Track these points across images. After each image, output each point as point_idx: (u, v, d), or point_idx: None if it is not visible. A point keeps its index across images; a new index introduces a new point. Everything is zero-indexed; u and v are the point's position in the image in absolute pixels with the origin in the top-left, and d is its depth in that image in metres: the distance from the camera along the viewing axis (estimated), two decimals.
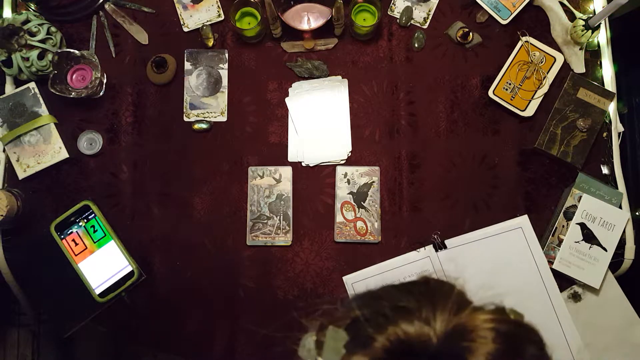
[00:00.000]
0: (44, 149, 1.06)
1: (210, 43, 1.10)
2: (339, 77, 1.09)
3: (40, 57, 1.03)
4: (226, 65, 1.10)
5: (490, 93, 1.06)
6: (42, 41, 1.03)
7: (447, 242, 1.02)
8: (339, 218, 1.05)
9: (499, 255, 1.02)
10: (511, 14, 1.09)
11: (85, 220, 1.04)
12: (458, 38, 1.08)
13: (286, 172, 1.07)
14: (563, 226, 1.02)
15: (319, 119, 1.08)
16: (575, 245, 1.00)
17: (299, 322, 0.43)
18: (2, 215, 0.97)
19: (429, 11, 1.11)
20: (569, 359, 0.98)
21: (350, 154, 1.07)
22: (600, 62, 1.10)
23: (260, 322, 1.04)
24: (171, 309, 1.05)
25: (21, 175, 1.06)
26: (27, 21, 1.04)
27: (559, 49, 1.09)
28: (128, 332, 1.07)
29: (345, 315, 0.41)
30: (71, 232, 1.03)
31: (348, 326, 0.40)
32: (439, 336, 0.37)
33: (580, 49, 1.08)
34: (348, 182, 1.06)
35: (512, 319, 0.40)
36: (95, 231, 1.03)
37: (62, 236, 1.03)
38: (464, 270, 1.02)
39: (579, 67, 1.08)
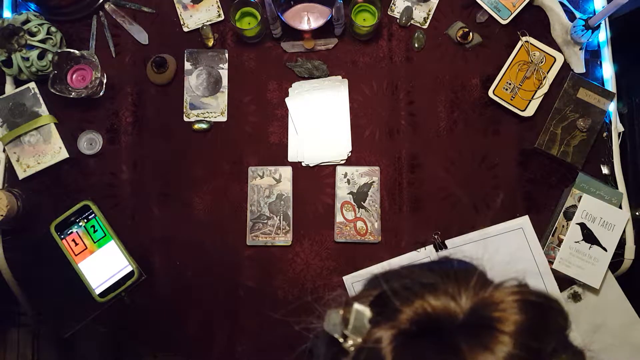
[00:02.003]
0: (44, 149, 1.06)
1: (210, 43, 1.10)
2: (339, 77, 1.09)
3: (40, 57, 1.03)
4: (226, 65, 1.10)
5: (490, 93, 1.06)
6: (42, 41, 1.03)
7: (447, 242, 1.02)
8: (339, 218, 1.05)
9: (499, 256, 1.02)
10: (511, 14, 1.09)
11: (85, 220, 1.04)
12: (458, 38, 1.08)
13: (286, 172, 1.07)
14: (563, 226, 1.02)
15: (319, 119, 1.08)
16: (575, 245, 1.00)
17: (312, 306, 0.43)
18: (2, 215, 0.97)
19: (429, 11, 1.11)
20: None
21: (350, 154, 1.07)
22: (600, 62, 1.10)
23: (260, 322, 1.04)
24: (171, 309, 1.05)
25: (21, 175, 1.06)
26: (27, 21, 1.04)
27: (559, 49, 1.09)
28: (128, 332, 1.07)
29: (369, 292, 0.42)
30: (71, 232, 1.03)
31: (372, 302, 0.41)
32: (465, 311, 0.38)
33: (580, 49, 1.08)
34: (348, 182, 1.06)
35: (536, 291, 0.40)
36: (95, 231, 1.03)
37: (62, 236, 1.03)
38: None
39: (579, 67, 1.08)
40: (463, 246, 1.02)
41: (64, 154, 1.06)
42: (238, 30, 1.05)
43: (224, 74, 1.10)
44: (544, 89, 1.06)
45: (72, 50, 1.04)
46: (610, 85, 1.08)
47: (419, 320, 0.38)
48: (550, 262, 1.01)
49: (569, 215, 1.02)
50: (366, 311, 0.39)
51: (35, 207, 1.06)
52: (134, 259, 1.03)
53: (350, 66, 1.10)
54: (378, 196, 1.05)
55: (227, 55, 1.10)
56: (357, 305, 0.39)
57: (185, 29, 1.11)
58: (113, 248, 1.03)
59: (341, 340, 0.39)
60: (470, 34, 1.07)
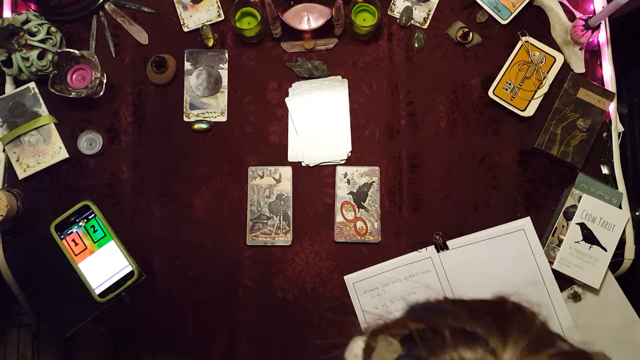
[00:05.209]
0: (44, 149, 1.06)
1: (210, 43, 1.10)
2: (339, 77, 1.09)
3: (40, 57, 1.03)
4: (226, 65, 1.10)
5: (490, 93, 1.06)
6: (42, 41, 1.03)
7: (448, 242, 1.02)
8: (339, 218, 1.05)
9: (500, 256, 1.02)
10: (511, 14, 1.09)
11: (85, 220, 1.04)
12: (458, 38, 1.08)
13: (286, 172, 1.07)
14: (563, 226, 1.02)
15: (319, 119, 1.08)
16: (575, 245, 1.00)
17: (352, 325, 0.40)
18: (2, 215, 0.97)
19: (429, 11, 1.11)
20: None
21: (350, 154, 1.07)
22: (600, 62, 1.10)
23: (260, 322, 1.04)
24: (171, 309, 1.05)
25: (21, 175, 1.06)
26: (27, 21, 1.04)
27: (559, 49, 1.09)
28: (128, 332, 1.07)
29: (402, 324, 0.37)
30: (71, 232, 1.03)
31: (403, 339, 0.36)
32: None
33: (580, 49, 1.08)
34: (348, 182, 1.06)
35: None
36: (95, 231, 1.03)
37: (62, 236, 1.03)
38: (466, 271, 1.02)
39: (579, 67, 1.08)
40: (459, 248, 1.02)
41: (64, 154, 1.06)
42: (238, 30, 1.05)
43: (224, 74, 1.10)
44: (544, 89, 1.06)
45: (72, 50, 1.04)
46: (610, 85, 1.08)
47: None
48: (550, 262, 1.01)
49: (569, 215, 1.02)
50: (395, 346, 0.35)
51: (35, 207, 1.06)
52: (134, 259, 1.04)
53: (350, 66, 1.10)
54: (378, 196, 1.05)
55: (227, 55, 1.10)
56: (385, 339, 0.35)
57: (185, 29, 1.11)
58: (113, 248, 1.03)
59: None
60: (470, 34, 1.07)
